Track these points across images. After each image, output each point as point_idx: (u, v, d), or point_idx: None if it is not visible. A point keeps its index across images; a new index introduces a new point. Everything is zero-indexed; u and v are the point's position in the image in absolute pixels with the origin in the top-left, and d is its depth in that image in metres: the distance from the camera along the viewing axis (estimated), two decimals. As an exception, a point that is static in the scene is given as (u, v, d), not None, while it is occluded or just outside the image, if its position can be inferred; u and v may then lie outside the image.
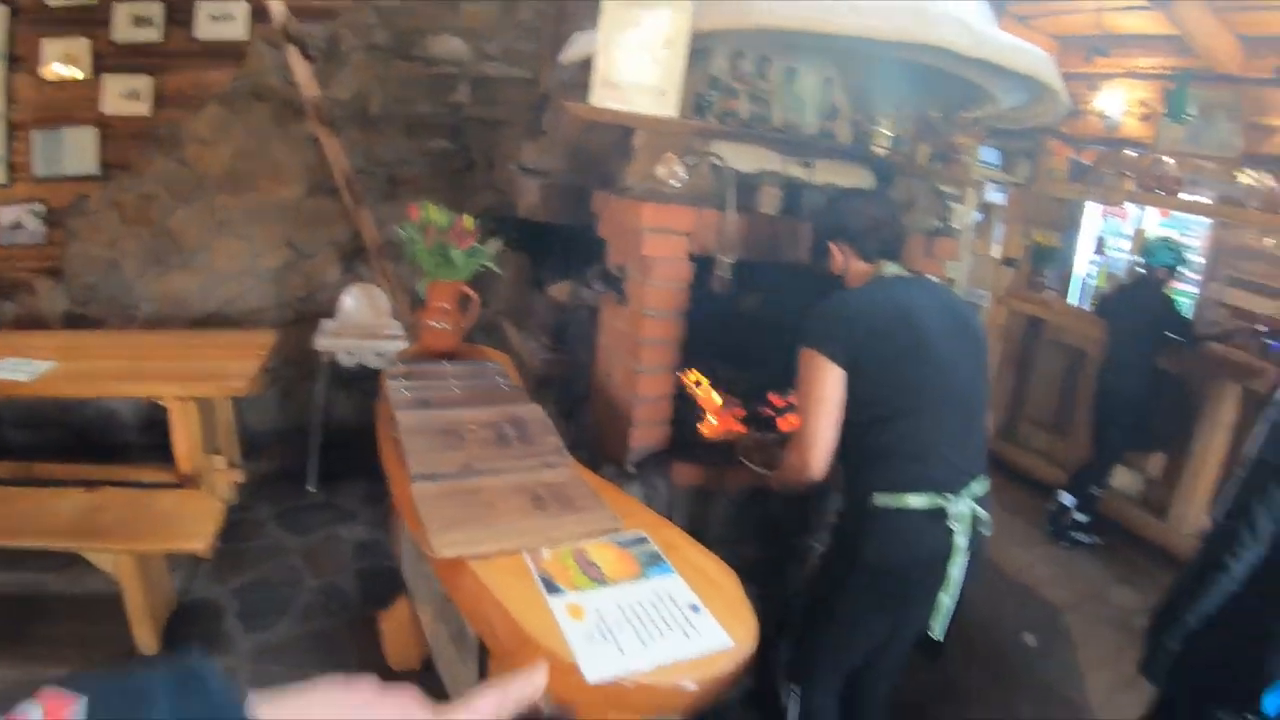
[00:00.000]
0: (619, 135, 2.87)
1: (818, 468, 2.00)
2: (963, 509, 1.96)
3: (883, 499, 1.97)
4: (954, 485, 1.98)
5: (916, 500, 1.95)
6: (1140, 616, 4.00)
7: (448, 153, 4.51)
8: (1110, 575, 4.44)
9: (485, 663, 1.91)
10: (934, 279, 2.19)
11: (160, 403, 3.27)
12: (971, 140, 3.07)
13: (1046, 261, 5.68)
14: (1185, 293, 5.76)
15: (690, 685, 1.44)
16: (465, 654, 2.06)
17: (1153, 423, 4.71)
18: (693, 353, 2.81)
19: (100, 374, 3.29)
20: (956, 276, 7.30)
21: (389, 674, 2.84)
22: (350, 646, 3.00)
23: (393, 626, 2.90)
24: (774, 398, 3.13)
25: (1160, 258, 4.35)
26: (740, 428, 3.04)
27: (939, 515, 1.95)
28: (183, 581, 3.23)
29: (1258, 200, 4.65)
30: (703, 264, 2.57)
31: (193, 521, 2.83)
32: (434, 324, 2.73)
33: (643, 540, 1.82)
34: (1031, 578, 4.31)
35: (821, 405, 1.98)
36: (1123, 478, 5.03)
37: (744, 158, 2.64)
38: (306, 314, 4.46)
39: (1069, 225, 5.95)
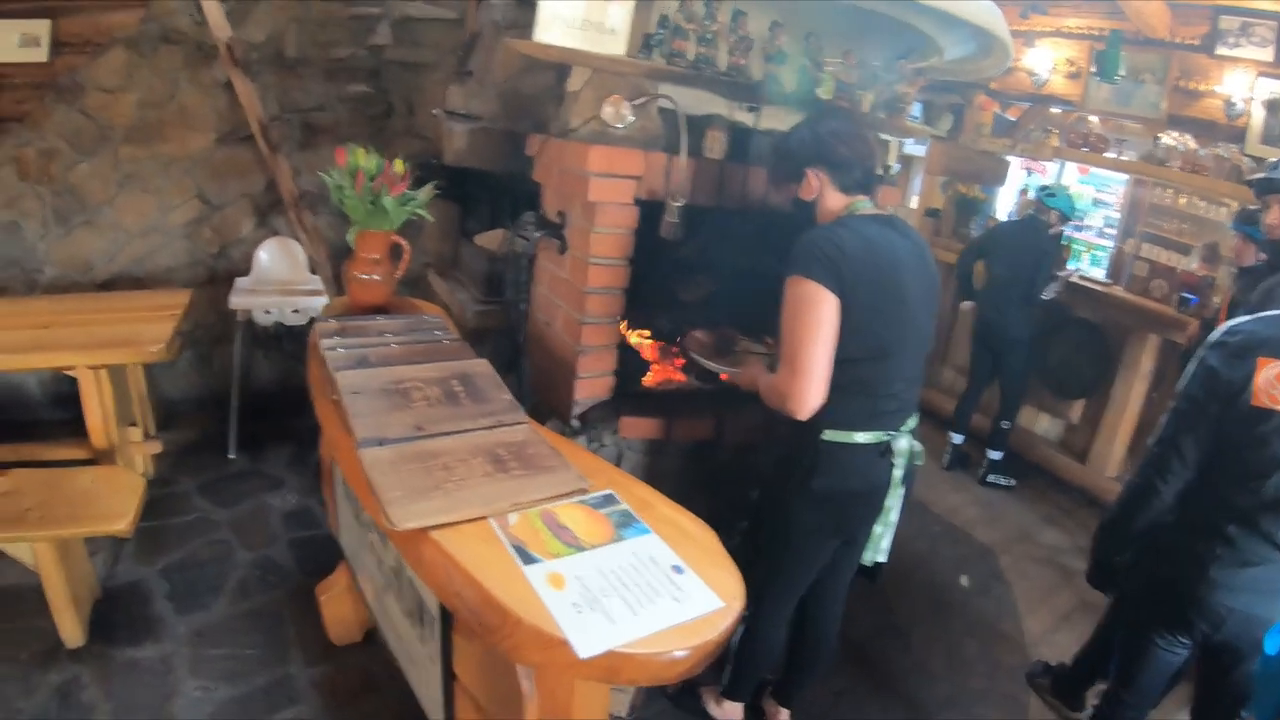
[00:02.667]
0: (554, 77, 2.72)
1: (813, 399, 1.90)
2: (903, 444, 2.07)
3: (832, 434, 2.01)
4: (897, 424, 2.07)
5: (864, 437, 2.02)
6: (1068, 555, 4.16)
7: (368, 97, 4.25)
8: (1036, 516, 4.59)
9: (449, 638, 1.79)
10: (900, 219, 2.10)
11: (69, 374, 3.02)
12: (913, 90, 3.00)
13: (971, 213, 5.76)
14: (1096, 245, 5.93)
15: (683, 653, 1.36)
16: (425, 630, 1.93)
17: (1074, 371, 4.85)
18: (634, 300, 2.70)
19: (2, 346, 3.00)
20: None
21: (331, 649, 2.72)
22: (290, 622, 2.83)
23: (332, 598, 2.74)
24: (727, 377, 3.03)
25: (1060, 200, 4.47)
26: (680, 376, 2.95)
27: (883, 450, 2.05)
28: (105, 565, 3.00)
29: (1179, 160, 4.79)
30: (647, 209, 2.45)
31: (112, 500, 2.60)
32: (363, 276, 2.55)
33: (612, 499, 1.71)
34: (962, 519, 4.41)
35: (817, 333, 1.88)
36: (1044, 423, 5.17)
37: (688, 100, 2.51)
38: (220, 271, 4.18)
39: (993, 179, 6.01)
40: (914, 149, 6.22)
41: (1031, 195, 4.88)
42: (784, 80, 2.62)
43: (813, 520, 2.13)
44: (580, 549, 1.55)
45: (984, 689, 3.11)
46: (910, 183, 6.34)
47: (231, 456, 3.82)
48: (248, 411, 3.93)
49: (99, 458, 3.11)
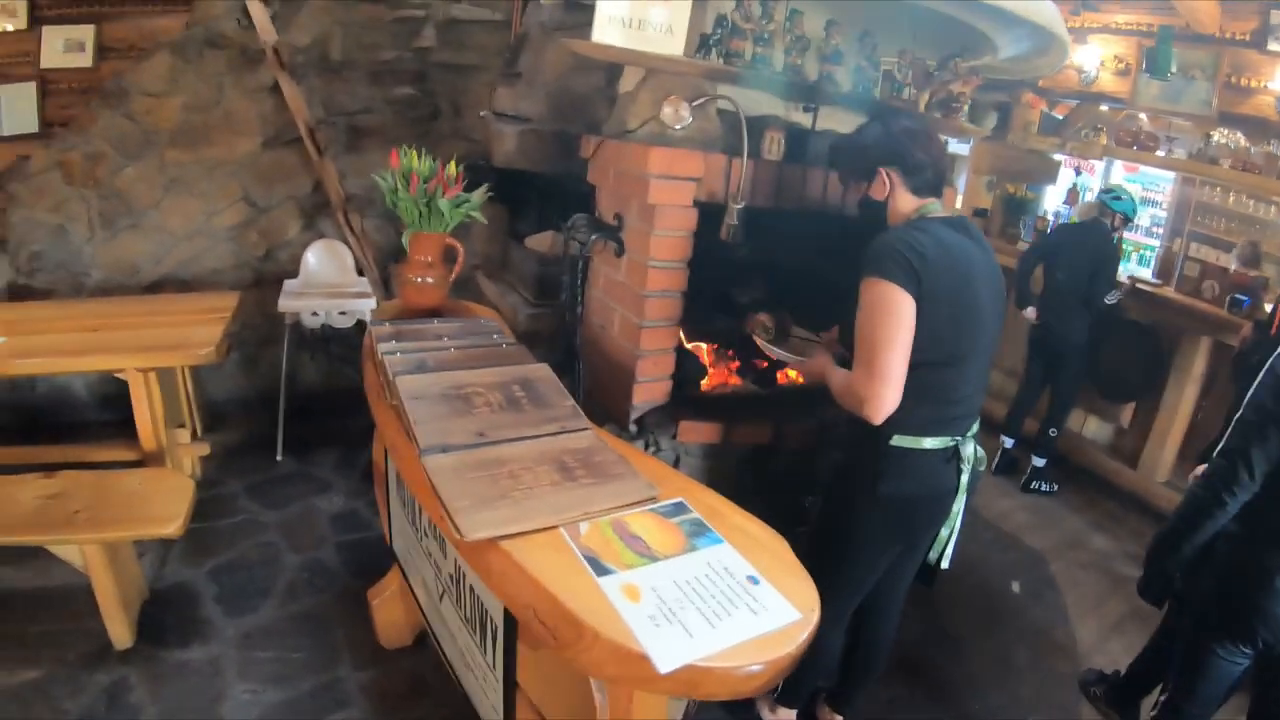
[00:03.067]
0: (604, 78, 2.70)
1: (889, 402, 1.86)
2: (969, 449, 2.05)
3: (901, 440, 1.97)
4: (964, 429, 2.05)
5: (932, 442, 1.99)
6: (1118, 562, 4.09)
7: (413, 100, 4.24)
8: (1087, 523, 4.51)
9: (513, 647, 1.77)
10: (970, 222, 2.06)
11: (118, 376, 3.02)
12: (968, 89, 2.94)
13: (1019, 213, 5.67)
14: (1144, 245, 5.83)
15: (760, 666, 1.33)
16: (486, 638, 1.91)
17: (1124, 373, 4.76)
18: (691, 303, 2.66)
19: (51, 349, 3.01)
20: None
21: (380, 652, 2.71)
22: (339, 625, 2.82)
23: (384, 602, 2.73)
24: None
25: (1126, 204, 4.38)
26: (736, 380, 2.92)
27: (950, 458, 2.03)
28: (153, 567, 3.00)
29: (1230, 158, 4.69)
30: (705, 211, 2.42)
31: (162, 502, 2.59)
32: (417, 279, 2.53)
33: (683, 508, 1.68)
34: (1012, 525, 4.35)
35: (896, 335, 1.84)
36: (1094, 427, 5.09)
37: (746, 101, 2.47)
38: (267, 274, 4.19)
39: (1041, 178, 5.91)
40: (957, 148, 6.14)
41: (1093, 198, 4.75)
42: (840, 80, 2.58)
43: (879, 527, 2.10)
44: (654, 559, 1.52)
45: (1035, 697, 3.05)
46: (955, 182, 6.27)
47: (279, 459, 3.82)
48: (295, 413, 3.94)
49: (148, 460, 3.12)
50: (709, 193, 2.39)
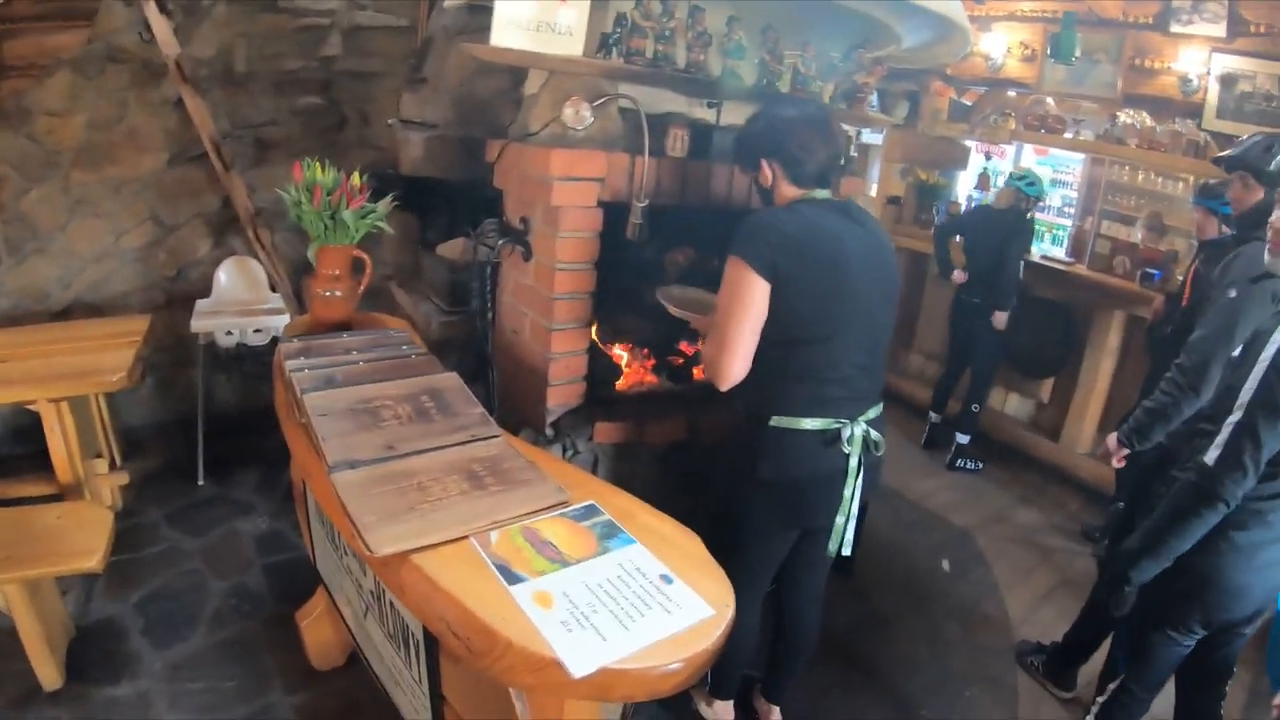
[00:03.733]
0: (509, 81, 2.67)
1: (734, 372, 1.96)
2: (856, 432, 2.03)
3: (779, 421, 2.01)
4: (851, 412, 2.04)
5: (811, 424, 2.00)
6: (1045, 534, 4.19)
7: (319, 110, 4.15)
8: (1012, 497, 4.62)
9: (435, 661, 1.74)
10: (857, 205, 2.10)
11: (29, 407, 2.92)
12: (873, 80, 2.99)
13: (932, 199, 5.78)
14: (1057, 225, 5.98)
15: (677, 665, 1.32)
16: (410, 654, 1.88)
17: (1041, 350, 4.90)
18: (603, 303, 2.66)
19: (-42, 382, 2.87)
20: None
21: (312, 675, 2.65)
22: (269, 649, 2.75)
23: (312, 623, 2.67)
24: (685, 346, 3.01)
25: (1037, 189, 4.55)
26: (652, 378, 2.91)
27: (832, 441, 2.02)
28: (79, 603, 2.89)
29: (1136, 138, 4.84)
30: (611, 211, 2.41)
31: (81, 537, 2.49)
32: (325, 292, 2.48)
33: (594, 510, 1.67)
34: (937, 504, 4.43)
35: (743, 313, 1.92)
36: (1015, 404, 5.22)
37: (649, 99, 2.48)
38: (177, 294, 4.06)
39: (952, 164, 6.05)
40: (871, 138, 6.24)
41: (1005, 184, 4.88)
42: (743, 74, 2.59)
43: (764, 510, 2.13)
44: (565, 564, 1.50)
45: (970, 672, 3.10)
46: (869, 171, 6.36)
47: (200, 483, 3.71)
48: (213, 436, 3.82)
49: (66, 493, 3.01)
50: (613, 192, 2.38)
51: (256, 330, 3.69)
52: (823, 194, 2.06)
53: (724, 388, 1.98)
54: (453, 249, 2.81)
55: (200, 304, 3.84)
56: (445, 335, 3.02)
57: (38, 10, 3.56)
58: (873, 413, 2.10)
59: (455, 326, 3.01)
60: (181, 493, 3.65)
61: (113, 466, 3.50)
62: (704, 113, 2.70)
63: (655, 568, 1.51)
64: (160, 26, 3.63)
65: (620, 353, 2.91)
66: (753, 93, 2.61)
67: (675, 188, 2.52)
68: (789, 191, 2.06)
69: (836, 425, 2.01)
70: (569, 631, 1.33)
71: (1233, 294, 2.35)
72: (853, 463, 2.04)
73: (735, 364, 1.95)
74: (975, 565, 3.87)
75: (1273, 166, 2.73)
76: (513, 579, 1.45)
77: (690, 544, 1.60)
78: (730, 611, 1.43)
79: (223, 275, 3.93)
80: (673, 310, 2.46)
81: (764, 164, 2.06)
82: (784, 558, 2.25)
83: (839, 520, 2.10)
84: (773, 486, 2.06)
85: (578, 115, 2.27)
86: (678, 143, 2.46)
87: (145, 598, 2.97)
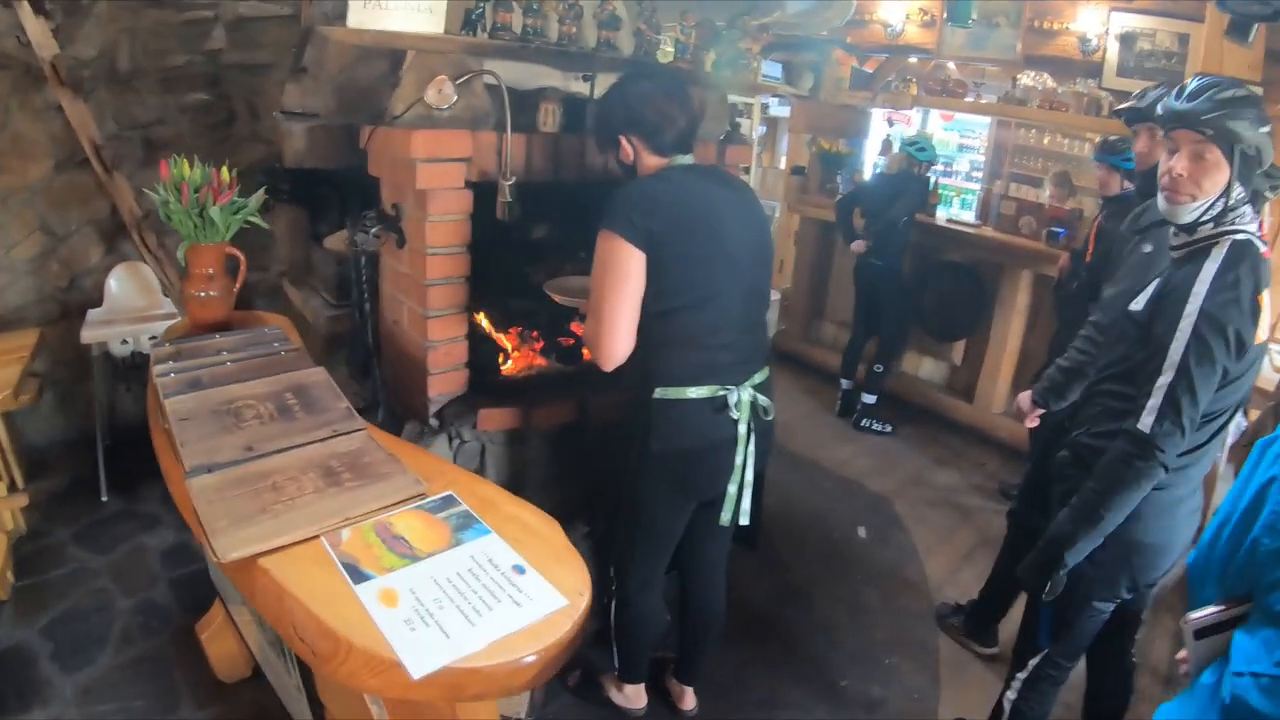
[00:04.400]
0: (389, 65, 2.55)
1: (618, 350, 1.91)
2: (744, 396, 1.98)
3: (663, 392, 1.97)
4: (736, 377, 1.99)
5: (697, 392, 1.96)
6: (963, 494, 4.19)
7: (208, 105, 3.98)
8: (929, 460, 4.62)
9: (308, 668, 1.65)
10: (725, 170, 2.05)
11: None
12: (757, 46, 2.92)
13: (836, 168, 5.76)
14: (965, 190, 6.02)
15: (530, 658, 1.25)
16: (286, 660, 1.78)
17: (951, 313, 4.91)
18: (482, 287, 2.57)
19: None
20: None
21: (220, 688, 2.55)
22: (177, 665, 2.64)
23: (212, 635, 2.56)
24: (576, 326, 2.91)
25: (928, 153, 4.59)
26: (541, 360, 2.83)
27: (720, 408, 1.97)
28: (-13, 633, 2.76)
29: (1038, 99, 4.85)
30: (484, 192, 2.32)
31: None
32: (199, 294, 2.35)
33: (452, 501, 1.58)
34: (853, 471, 4.41)
35: (621, 287, 1.87)
36: (929, 367, 5.23)
37: (521, 75, 2.38)
38: (73, 305, 3.87)
39: (856, 133, 6.02)
40: (779, 110, 6.20)
41: (897, 150, 4.93)
42: (619, 46, 2.51)
43: (656, 482, 2.08)
44: (415, 559, 1.42)
45: (891, 639, 3.08)
46: (778, 143, 6.33)
47: (104, 499, 3.55)
48: (117, 449, 3.69)
49: (-40, 521, 2.82)
50: (481, 172, 2.28)
51: (151, 338, 3.52)
52: (686, 159, 2.02)
53: (609, 367, 1.92)
54: (338, 241, 2.69)
55: (92, 314, 3.66)
56: (334, 330, 2.91)
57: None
58: (759, 377, 2.05)
59: (343, 320, 2.90)
60: (87, 510, 3.50)
61: (13, 489, 3.33)
62: (581, 87, 2.60)
63: (508, 558, 1.43)
64: (34, 28, 3.43)
65: (506, 337, 2.82)
66: (627, 64, 2.52)
67: (549, 164, 2.43)
68: (652, 162, 2.01)
69: (723, 391, 1.96)
70: (411, 630, 1.25)
71: (1148, 248, 2.32)
72: (742, 429, 1.99)
73: (618, 341, 1.90)
74: (894, 530, 3.85)
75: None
76: (359, 577, 1.36)
77: (549, 531, 1.53)
78: (584, 600, 1.35)
79: (114, 283, 3.75)
80: (558, 299, 2.39)
81: (623, 140, 2.01)
82: (682, 531, 2.20)
83: (731, 489, 2.05)
84: (663, 458, 2.01)
85: (441, 94, 2.17)
86: (549, 117, 2.37)
87: (53, 621, 2.85)
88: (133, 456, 3.70)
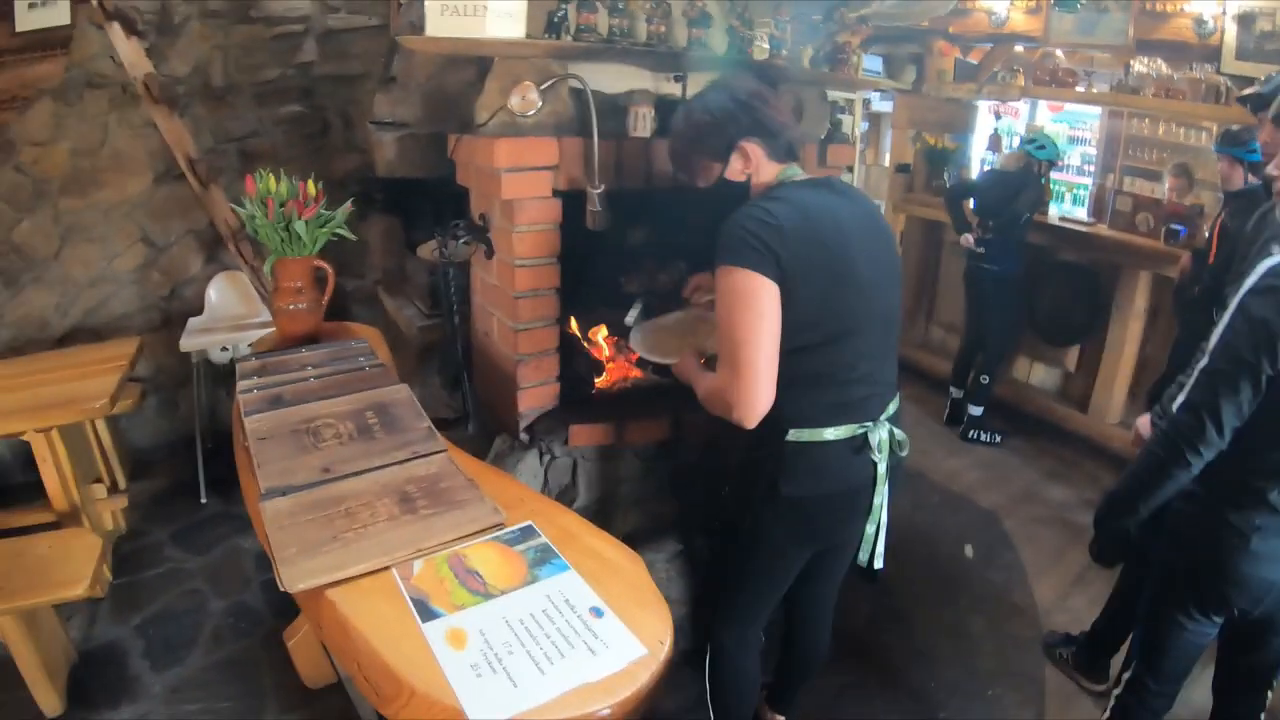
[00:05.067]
0: (476, 72, 2.49)
1: (761, 403, 1.62)
2: (882, 435, 1.76)
3: (798, 434, 1.71)
4: (873, 413, 1.77)
5: (834, 433, 1.72)
6: (1076, 511, 3.90)
7: (302, 117, 4.01)
8: (1041, 473, 4.34)
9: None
10: (840, 180, 1.85)
11: (22, 438, 2.83)
12: (857, 40, 2.75)
13: (942, 164, 5.48)
14: (1077, 184, 5.66)
15: (604, 711, 1.14)
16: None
17: (1065, 316, 4.61)
18: (576, 297, 2.46)
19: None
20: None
21: (306, 694, 2.52)
22: (266, 668, 2.65)
23: (299, 642, 2.54)
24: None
25: (1049, 151, 4.29)
26: (636, 372, 2.71)
27: (859, 448, 1.75)
28: (82, 628, 2.81)
29: (1153, 87, 4.52)
30: (574, 200, 2.21)
31: (69, 565, 2.40)
32: (288, 307, 2.35)
33: (531, 533, 1.48)
34: (962, 485, 4.16)
35: (759, 328, 1.59)
36: (1040, 374, 4.92)
37: (608, 78, 2.27)
38: (174, 313, 3.96)
39: (962, 127, 5.71)
40: (881, 105, 5.93)
41: (1016, 148, 4.65)
42: (710, 44, 2.37)
43: (783, 531, 1.85)
44: (488, 596, 1.32)
45: (995, 668, 2.85)
46: (882, 140, 6.07)
47: (203, 501, 3.61)
48: (216, 453, 3.73)
49: (63, 520, 2.92)
50: (569, 180, 2.18)
51: (250, 345, 3.57)
52: (797, 170, 1.79)
53: (753, 423, 1.64)
54: (428, 250, 2.64)
55: (192, 322, 3.73)
56: (427, 340, 2.87)
57: (15, 44, 3.47)
58: (892, 408, 1.83)
59: (436, 330, 2.85)
60: (186, 512, 3.56)
61: (114, 490, 3.41)
62: (672, 88, 2.47)
63: (586, 599, 1.31)
64: (126, 48, 3.51)
65: (602, 346, 2.71)
66: (723, 62, 2.38)
67: (641, 169, 2.30)
68: (769, 172, 1.78)
69: (862, 430, 1.74)
70: (478, 677, 1.16)
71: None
72: (881, 469, 1.77)
73: (761, 391, 1.61)
74: (1002, 550, 3.60)
75: None
76: (428, 615, 1.28)
77: (632, 568, 1.41)
78: (665, 650, 1.23)
79: (213, 292, 3.82)
80: (646, 355, 2.18)
81: (745, 147, 1.76)
82: (791, 582, 1.99)
83: (869, 530, 1.85)
84: (793, 503, 1.77)
85: (525, 101, 2.07)
86: (640, 121, 2.24)
87: (146, 619, 2.89)
88: (232, 460, 3.75)
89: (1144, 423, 2.22)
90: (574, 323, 2.63)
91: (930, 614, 3.12)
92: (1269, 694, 1.98)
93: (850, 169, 7.18)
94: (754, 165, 1.77)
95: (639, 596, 1.34)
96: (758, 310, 1.59)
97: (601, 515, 2.47)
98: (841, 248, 1.67)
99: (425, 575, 1.37)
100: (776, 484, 1.75)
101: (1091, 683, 2.72)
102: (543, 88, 2.09)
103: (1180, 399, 1.67)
